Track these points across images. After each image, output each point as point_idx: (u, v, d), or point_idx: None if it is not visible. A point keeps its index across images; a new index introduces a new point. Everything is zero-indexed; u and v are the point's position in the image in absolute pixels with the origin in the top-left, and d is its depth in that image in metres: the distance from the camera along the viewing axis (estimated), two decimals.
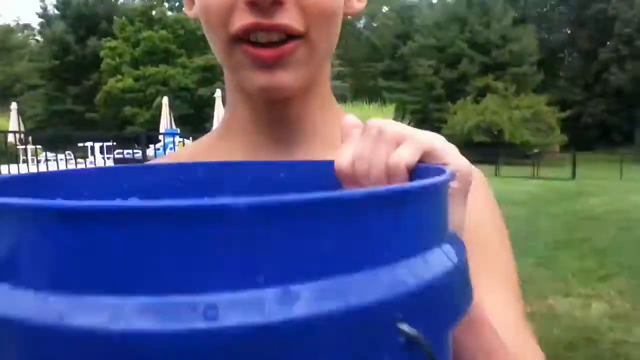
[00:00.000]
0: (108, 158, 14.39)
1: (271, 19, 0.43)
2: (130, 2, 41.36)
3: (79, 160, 13.42)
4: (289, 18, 0.44)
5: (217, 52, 0.49)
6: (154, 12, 37.31)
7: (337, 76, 37.27)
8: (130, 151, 13.63)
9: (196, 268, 0.19)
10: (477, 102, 29.59)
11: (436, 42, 34.10)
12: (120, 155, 11.92)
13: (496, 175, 18.59)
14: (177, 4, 40.73)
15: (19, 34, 39.81)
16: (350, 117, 0.38)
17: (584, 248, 5.84)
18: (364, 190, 0.22)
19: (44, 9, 41.08)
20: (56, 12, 40.08)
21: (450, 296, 0.25)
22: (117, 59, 34.95)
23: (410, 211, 0.24)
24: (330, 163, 0.37)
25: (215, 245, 0.19)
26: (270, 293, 0.19)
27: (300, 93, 0.49)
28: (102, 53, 34.97)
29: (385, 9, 50.13)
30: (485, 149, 26.30)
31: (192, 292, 0.19)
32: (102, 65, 35.04)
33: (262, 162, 0.43)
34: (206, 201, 0.19)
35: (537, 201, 9.99)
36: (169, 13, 38.03)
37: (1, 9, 72.99)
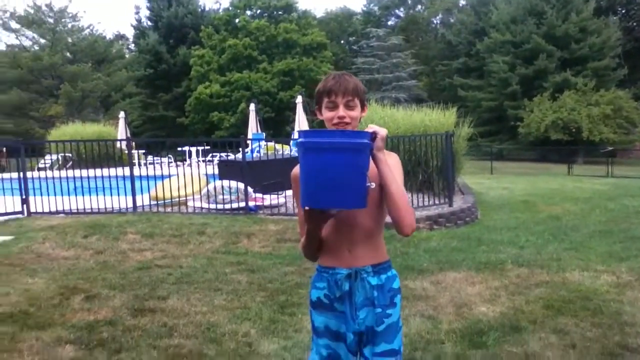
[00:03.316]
0: (203, 161, 16.13)
1: (343, 120, 1.77)
2: (215, 12, 43.40)
3: (178, 162, 15.24)
4: (347, 119, 1.78)
5: (327, 126, 1.82)
6: (237, 20, 39.24)
7: (412, 75, 37.69)
8: (224, 154, 15.27)
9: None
10: (554, 98, 28.85)
11: (512, 37, 33.33)
12: (224, 158, 13.76)
13: (569, 174, 18.49)
14: (258, 11, 41.31)
15: (117, 46, 42.74)
16: (370, 126, 1.68)
17: (618, 237, 6.41)
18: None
19: (139, 21, 44.00)
20: (149, 23, 42.86)
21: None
22: (205, 67, 37.33)
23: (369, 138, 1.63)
24: (359, 131, 1.65)
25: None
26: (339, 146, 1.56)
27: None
28: (191, 61, 37.48)
29: (462, 2, 49.43)
30: (562, 147, 25.78)
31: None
32: (192, 73, 37.63)
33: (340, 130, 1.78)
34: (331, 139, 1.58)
35: (598, 198, 10.41)
36: (251, 20, 39.30)
37: (99, 19, 78.94)
